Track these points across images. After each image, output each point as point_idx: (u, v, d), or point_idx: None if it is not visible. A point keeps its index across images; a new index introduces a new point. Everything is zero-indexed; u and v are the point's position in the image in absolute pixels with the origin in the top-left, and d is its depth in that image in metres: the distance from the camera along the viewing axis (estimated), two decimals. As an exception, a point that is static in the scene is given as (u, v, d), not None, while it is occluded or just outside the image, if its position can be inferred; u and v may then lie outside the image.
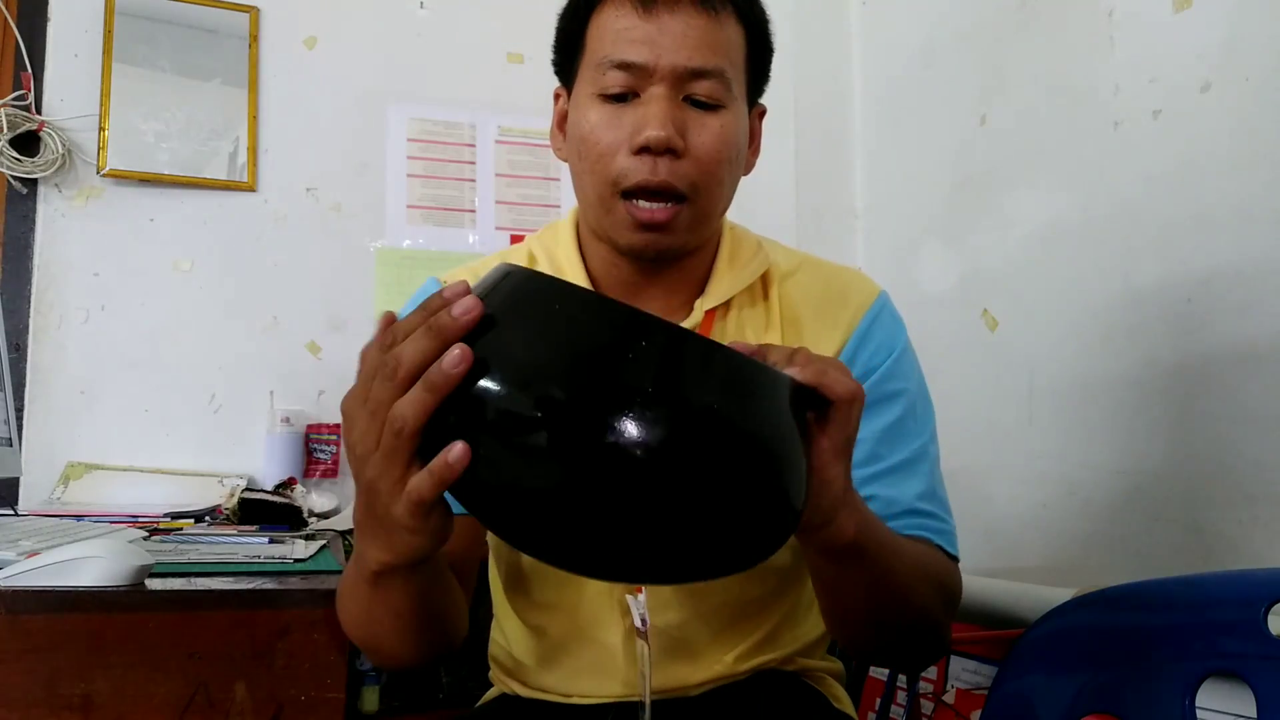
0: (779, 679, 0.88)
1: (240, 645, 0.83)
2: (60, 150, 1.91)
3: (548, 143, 0.92)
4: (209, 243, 2.02)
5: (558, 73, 0.89)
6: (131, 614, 0.81)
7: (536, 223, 2.23)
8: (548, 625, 0.87)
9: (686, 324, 0.85)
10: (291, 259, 2.07)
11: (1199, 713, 0.81)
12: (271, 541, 1.25)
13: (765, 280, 0.89)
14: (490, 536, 0.90)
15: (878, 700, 1.49)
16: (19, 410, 1.85)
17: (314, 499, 1.84)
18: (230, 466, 1.97)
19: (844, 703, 0.93)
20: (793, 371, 0.56)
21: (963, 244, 1.91)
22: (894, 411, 0.84)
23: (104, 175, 1.95)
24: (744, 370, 0.52)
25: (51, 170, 1.91)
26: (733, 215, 0.90)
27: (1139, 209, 1.49)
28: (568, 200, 2.25)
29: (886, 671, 1.50)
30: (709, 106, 0.80)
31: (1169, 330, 1.42)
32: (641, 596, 0.80)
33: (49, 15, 1.97)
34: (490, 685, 0.98)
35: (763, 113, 0.89)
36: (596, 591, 0.84)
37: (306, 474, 1.99)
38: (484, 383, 0.49)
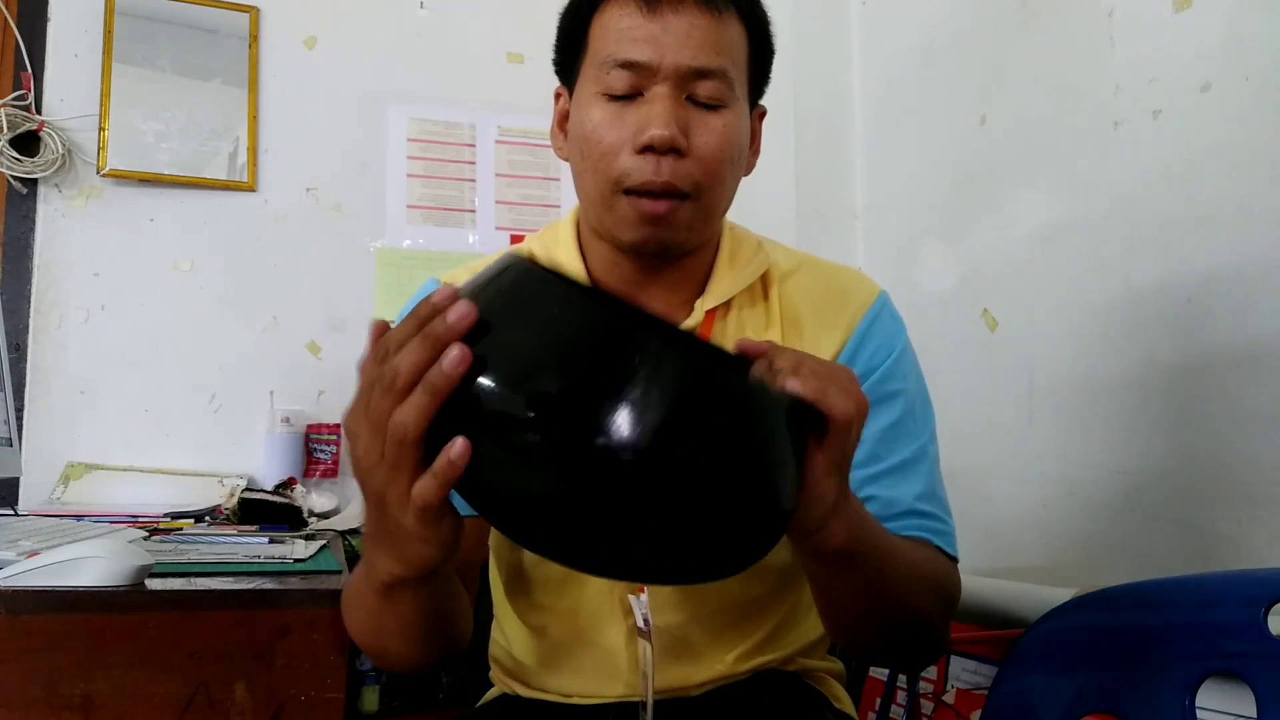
0: (779, 679, 0.88)
1: (240, 645, 0.83)
2: (60, 150, 1.91)
3: (548, 143, 0.92)
4: (209, 243, 2.02)
5: (558, 72, 0.89)
6: (131, 614, 0.81)
7: (536, 223, 2.23)
8: (548, 625, 0.87)
9: (687, 324, 0.85)
10: (291, 259, 2.07)
11: (1199, 713, 0.81)
12: (271, 541, 1.25)
13: (765, 280, 0.89)
14: (491, 537, 0.90)
15: (878, 700, 1.49)
16: (19, 410, 1.85)
17: (314, 499, 1.84)
18: (230, 466, 1.97)
19: (844, 703, 0.93)
20: (794, 384, 0.56)
21: (963, 244, 1.91)
22: (893, 412, 0.84)
23: (104, 175, 1.95)
24: (736, 382, 0.52)
25: (51, 170, 1.91)
26: (733, 215, 0.90)
27: (1139, 209, 1.49)
28: (568, 200, 2.25)
29: (886, 671, 1.50)
30: (712, 106, 0.80)
31: (1169, 330, 1.42)
32: (644, 596, 0.80)
33: (49, 15, 1.97)
34: (490, 685, 0.98)
35: (763, 114, 0.89)
36: (597, 592, 0.84)
37: (306, 474, 1.99)
38: (482, 380, 0.49)
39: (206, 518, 1.66)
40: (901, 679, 1.48)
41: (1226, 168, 1.35)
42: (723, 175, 0.81)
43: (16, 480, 1.79)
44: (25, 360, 1.89)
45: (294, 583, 0.91)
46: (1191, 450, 1.38)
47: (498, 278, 0.54)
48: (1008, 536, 1.72)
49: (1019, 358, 1.73)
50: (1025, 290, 1.73)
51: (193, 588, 0.86)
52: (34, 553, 0.87)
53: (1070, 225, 1.63)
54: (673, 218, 0.79)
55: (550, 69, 0.90)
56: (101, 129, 1.96)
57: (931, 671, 1.56)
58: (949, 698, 1.51)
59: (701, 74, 0.79)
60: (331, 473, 2.02)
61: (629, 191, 0.79)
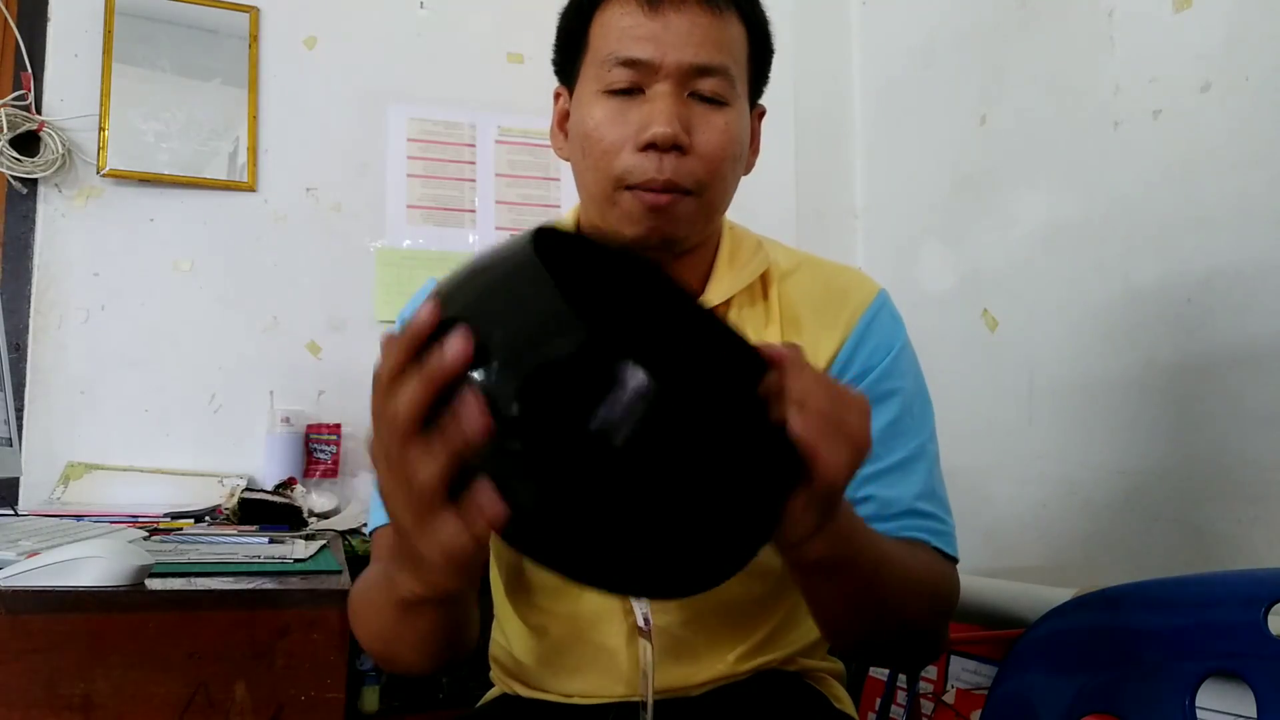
0: (780, 679, 0.88)
1: (240, 645, 0.83)
2: (60, 150, 1.91)
3: (548, 143, 0.92)
4: (209, 243, 2.02)
5: (558, 72, 0.89)
6: (131, 614, 0.81)
7: (536, 223, 2.22)
8: (548, 625, 0.87)
9: None
10: (291, 259, 2.07)
11: (1199, 713, 0.81)
12: (271, 541, 1.25)
13: (765, 279, 0.89)
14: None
15: (878, 700, 1.49)
16: (19, 410, 1.85)
17: (314, 499, 1.84)
18: (230, 466, 1.97)
19: (844, 703, 0.93)
20: (794, 422, 0.53)
21: (963, 244, 1.91)
22: (891, 411, 0.84)
23: (104, 175, 1.95)
24: (717, 410, 0.52)
25: (51, 170, 1.91)
26: (733, 215, 0.90)
27: (1139, 209, 1.49)
28: (568, 200, 2.25)
29: (886, 671, 1.50)
30: (714, 103, 0.80)
31: (1169, 330, 1.42)
32: (644, 596, 0.80)
33: (49, 15, 1.97)
34: (491, 685, 0.98)
35: (762, 113, 0.89)
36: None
37: (306, 474, 1.99)
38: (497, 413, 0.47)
39: (206, 518, 1.66)
40: (901, 679, 1.48)
41: (1226, 168, 1.35)
42: (724, 173, 0.81)
43: (16, 480, 1.79)
44: (25, 360, 1.89)
45: (294, 583, 0.91)
46: (1191, 450, 1.38)
47: (500, 267, 0.52)
48: (1008, 536, 1.72)
49: (1019, 358, 1.73)
50: (1025, 290, 1.73)
51: (193, 588, 0.86)
52: (34, 553, 0.87)
53: (1070, 225, 1.63)
54: (675, 210, 0.79)
55: (550, 69, 0.90)
56: (101, 129, 1.96)
57: (931, 671, 1.56)
58: (949, 698, 1.51)
59: (703, 71, 0.79)
60: (331, 473, 2.02)
61: (631, 189, 0.79)
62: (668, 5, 0.78)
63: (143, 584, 0.85)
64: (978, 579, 1.54)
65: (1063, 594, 1.20)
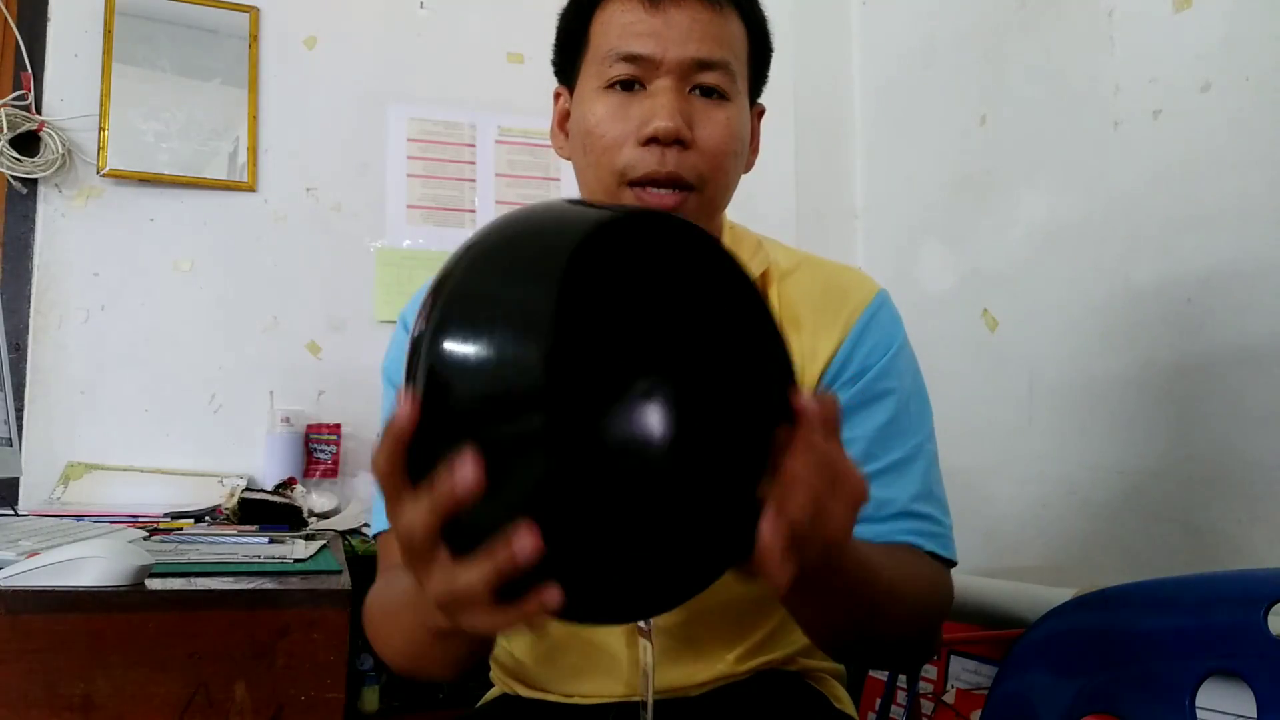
0: (780, 679, 0.88)
1: (240, 645, 0.83)
2: (60, 150, 1.91)
3: (548, 143, 0.92)
4: (209, 243, 2.02)
5: (558, 73, 0.89)
6: (131, 614, 0.81)
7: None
8: (548, 625, 0.87)
9: None
10: (291, 259, 2.07)
11: (1199, 713, 0.81)
12: (271, 541, 1.25)
13: (765, 279, 0.89)
14: None
15: (878, 700, 1.49)
16: (19, 410, 1.85)
17: (314, 499, 1.84)
18: (230, 466, 1.97)
19: (844, 703, 0.93)
20: (769, 516, 0.51)
21: (963, 244, 1.91)
22: (887, 410, 0.84)
23: (104, 175, 1.95)
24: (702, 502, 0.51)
25: (51, 170, 1.91)
26: (733, 215, 0.90)
27: (1139, 209, 1.49)
28: (568, 200, 2.25)
29: (886, 671, 1.50)
30: (715, 97, 0.80)
31: (1169, 330, 1.42)
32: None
33: (49, 15, 1.97)
34: (491, 685, 0.98)
35: (762, 112, 0.90)
36: (597, 591, 0.84)
37: (306, 474, 1.99)
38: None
39: (206, 518, 1.66)
40: (901, 679, 1.48)
41: (1226, 168, 1.35)
42: (726, 168, 0.81)
43: (16, 480, 1.79)
44: (25, 360, 1.89)
45: (294, 583, 0.91)
46: (1191, 450, 1.38)
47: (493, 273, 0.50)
48: (1008, 536, 1.72)
49: (1019, 358, 1.73)
50: (1025, 290, 1.73)
51: (193, 588, 0.86)
52: (34, 553, 0.87)
53: (1070, 225, 1.63)
54: (680, 209, 0.79)
55: (550, 69, 0.90)
56: (101, 129, 1.96)
57: (931, 671, 1.56)
58: (949, 698, 1.51)
59: (705, 65, 0.79)
60: (331, 473, 2.02)
61: (634, 184, 0.79)
62: (668, 1, 0.79)
63: (143, 584, 0.85)
64: (978, 579, 1.53)
65: (1063, 594, 1.20)
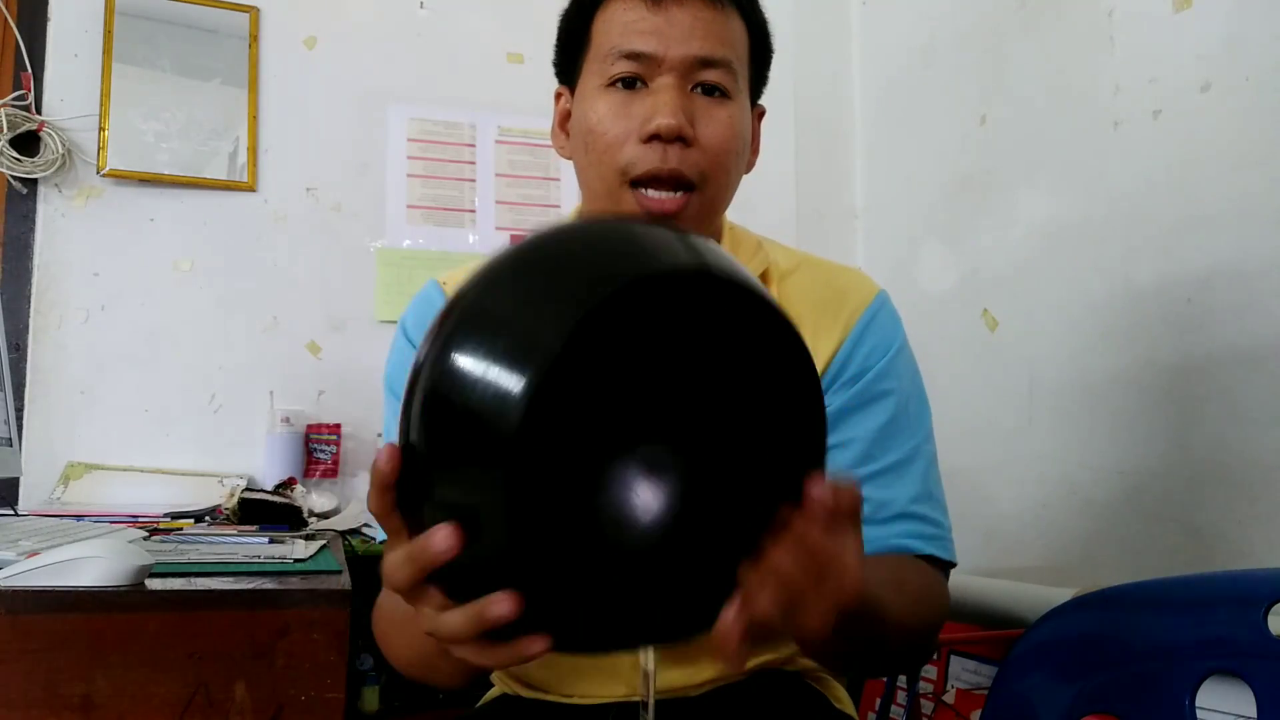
0: (780, 679, 0.88)
1: (240, 645, 0.83)
2: (60, 150, 1.91)
3: (548, 143, 0.92)
4: (209, 243, 2.02)
5: (559, 73, 0.89)
6: (131, 614, 0.81)
7: (536, 223, 2.23)
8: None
9: None
10: (291, 259, 2.07)
11: (1199, 713, 0.81)
12: (271, 541, 1.25)
13: (764, 279, 0.89)
14: None
15: (878, 700, 1.49)
16: (19, 410, 1.85)
17: (314, 499, 1.84)
18: (230, 466, 1.97)
19: (844, 703, 0.93)
20: (738, 606, 0.50)
21: (963, 244, 1.91)
22: (886, 411, 0.84)
23: (104, 175, 1.95)
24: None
25: (51, 170, 1.91)
26: (733, 215, 0.90)
27: (1139, 209, 1.49)
28: (568, 200, 2.25)
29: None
30: (717, 95, 0.80)
31: (1169, 330, 1.42)
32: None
33: (49, 15, 1.97)
34: (490, 685, 0.98)
35: (762, 113, 0.90)
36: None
37: (306, 474, 1.99)
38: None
39: (206, 518, 1.66)
40: (901, 679, 1.48)
41: (1226, 168, 1.35)
42: (728, 166, 0.81)
43: (16, 480, 1.79)
44: (25, 360, 1.89)
45: (294, 583, 0.91)
46: (1191, 450, 1.38)
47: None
48: (1008, 536, 1.72)
49: (1019, 358, 1.73)
50: (1025, 290, 1.73)
51: (193, 588, 0.86)
52: (34, 553, 0.87)
53: (1070, 225, 1.63)
54: (680, 215, 0.79)
55: (550, 69, 0.90)
56: (101, 129, 1.96)
57: (931, 671, 1.56)
58: (949, 698, 1.51)
59: (707, 63, 0.79)
60: (331, 473, 2.02)
61: (636, 183, 0.79)
62: (671, 0, 0.79)
63: (143, 584, 0.85)
64: (978, 579, 1.54)
65: (1063, 594, 1.20)
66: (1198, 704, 0.81)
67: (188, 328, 2.00)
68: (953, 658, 1.54)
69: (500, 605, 0.45)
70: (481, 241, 2.20)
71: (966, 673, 1.51)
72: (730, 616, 0.49)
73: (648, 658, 0.78)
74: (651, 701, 0.77)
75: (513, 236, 2.21)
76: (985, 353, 1.81)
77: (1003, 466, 1.74)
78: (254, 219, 2.06)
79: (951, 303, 1.90)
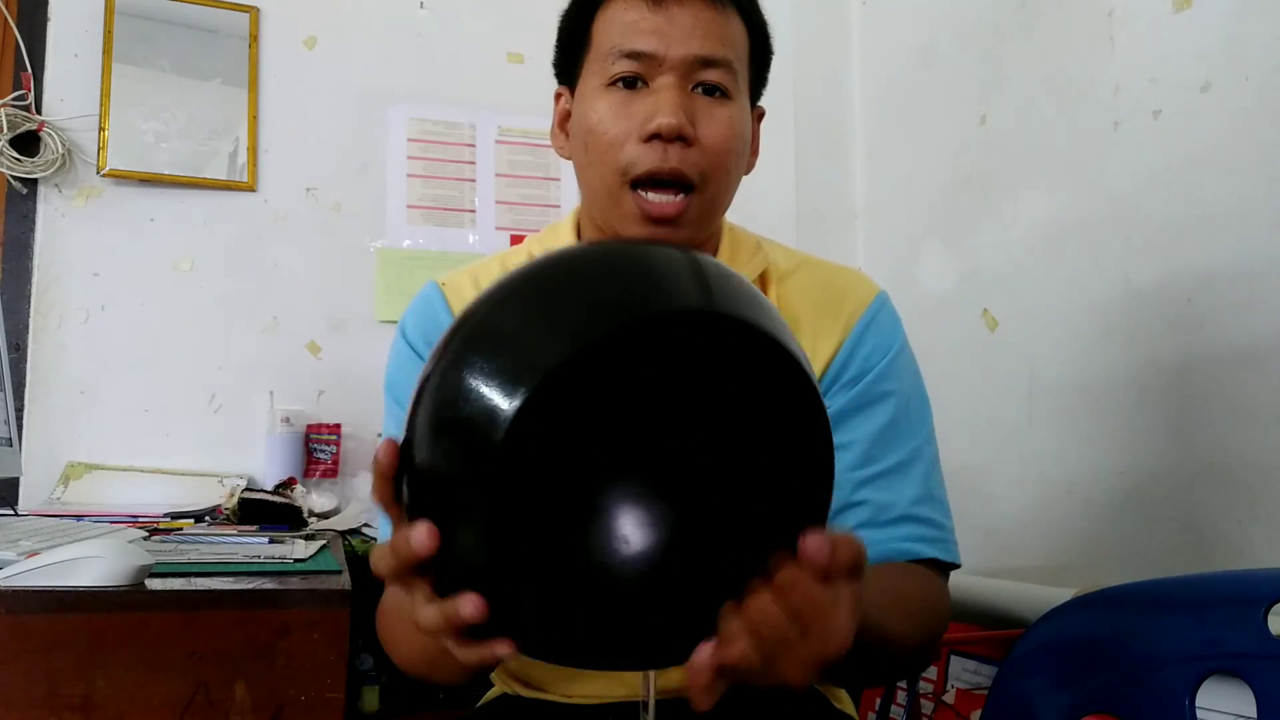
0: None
1: (240, 645, 0.83)
2: (60, 150, 1.91)
3: (548, 143, 0.92)
4: (209, 243, 2.02)
5: (558, 73, 0.89)
6: (131, 614, 0.81)
7: (536, 223, 2.23)
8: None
9: None
10: (291, 259, 2.07)
11: (1199, 713, 0.81)
12: (271, 541, 1.25)
13: (764, 280, 0.89)
14: None
15: (878, 700, 1.49)
16: (19, 410, 1.85)
17: (314, 499, 1.84)
18: (230, 466, 1.97)
19: (844, 703, 0.93)
20: (713, 647, 0.50)
21: (963, 244, 1.91)
22: (887, 413, 0.84)
23: (104, 175, 1.95)
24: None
25: (51, 170, 1.91)
26: (733, 215, 0.90)
27: (1139, 209, 1.49)
28: (568, 200, 2.25)
29: (886, 671, 1.50)
30: (718, 95, 0.80)
31: (1169, 330, 1.42)
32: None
33: (49, 15, 1.97)
34: (490, 685, 0.98)
35: (761, 115, 0.90)
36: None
37: (306, 474, 1.99)
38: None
39: (206, 518, 1.66)
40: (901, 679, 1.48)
41: (1226, 168, 1.35)
42: (728, 167, 0.81)
43: (16, 480, 1.79)
44: (25, 360, 1.89)
45: (294, 583, 0.91)
46: (1191, 450, 1.38)
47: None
48: (1008, 536, 1.72)
49: (1019, 358, 1.73)
50: (1025, 290, 1.73)
51: (193, 588, 0.86)
52: (34, 553, 0.87)
53: (1070, 225, 1.63)
54: (680, 217, 0.79)
55: (550, 69, 0.90)
56: (101, 129, 1.96)
57: (931, 671, 1.56)
58: (949, 698, 1.51)
59: (707, 63, 0.79)
60: (331, 473, 2.02)
61: (636, 184, 0.79)
62: (671, 0, 0.79)
63: (143, 584, 0.85)
64: (978, 579, 1.54)
65: (1063, 594, 1.20)
66: (1198, 704, 0.81)
67: (188, 328, 1.99)
68: (953, 658, 1.54)
69: (467, 608, 0.47)
70: (481, 241, 2.20)
71: (966, 673, 1.51)
72: (703, 656, 0.50)
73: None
74: (651, 702, 0.77)
75: (513, 238, 2.21)
76: (985, 353, 1.81)
77: (1003, 466, 1.74)
78: (254, 219, 2.06)
79: (951, 303, 1.90)
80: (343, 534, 1.63)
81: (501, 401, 0.45)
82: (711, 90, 0.80)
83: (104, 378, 1.94)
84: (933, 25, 2.04)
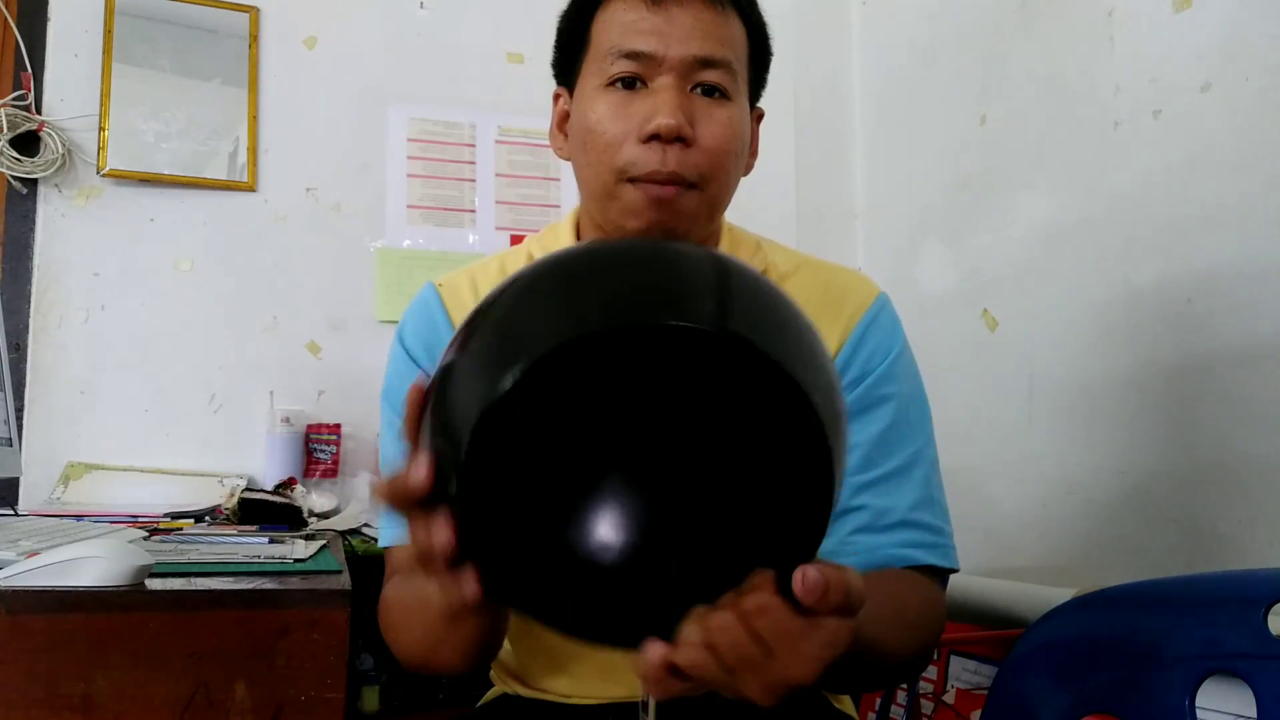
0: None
1: (240, 645, 0.83)
2: (60, 150, 1.91)
3: (548, 143, 0.92)
4: (209, 243, 2.02)
5: (557, 73, 0.89)
6: (131, 614, 0.81)
7: (536, 223, 2.23)
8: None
9: None
10: (291, 259, 2.07)
11: (1199, 713, 0.81)
12: (271, 541, 1.25)
13: (763, 281, 0.89)
14: None
15: (878, 701, 1.49)
16: (19, 410, 1.85)
17: (314, 499, 1.84)
18: (230, 466, 1.97)
19: (844, 703, 0.93)
20: (670, 648, 0.51)
21: (963, 244, 1.91)
22: (886, 417, 0.83)
23: (104, 175, 1.95)
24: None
25: (51, 170, 1.91)
26: (732, 215, 0.90)
27: (1139, 209, 1.49)
28: (568, 200, 2.25)
29: (886, 671, 1.50)
30: (717, 96, 0.80)
31: (1169, 330, 1.42)
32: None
33: (49, 15, 1.97)
34: (490, 685, 0.98)
35: (760, 116, 0.89)
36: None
37: (306, 474, 1.99)
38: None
39: (206, 518, 1.66)
40: (901, 679, 1.48)
41: (1226, 168, 1.35)
42: (727, 167, 0.81)
43: (16, 480, 1.79)
44: (25, 360, 1.89)
45: (294, 583, 0.91)
46: (1191, 450, 1.38)
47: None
48: (1008, 536, 1.72)
49: (1019, 358, 1.73)
50: (1025, 290, 1.73)
51: (193, 588, 0.86)
52: (34, 553, 0.87)
53: (1070, 225, 1.63)
54: (678, 204, 0.79)
55: (550, 69, 0.90)
56: (101, 129, 1.96)
57: (931, 671, 1.56)
58: (949, 698, 1.51)
59: (707, 63, 0.79)
60: (331, 473, 2.02)
61: (634, 181, 0.79)
62: (671, 0, 0.79)
63: (143, 584, 0.85)
64: (978, 579, 1.54)
65: (1063, 594, 1.21)
66: (1198, 704, 0.81)
67: (188, 328, 1.99)
68: (953, 658, 1.54)
69: (439, 531, 0.50)
70: (481, 242, 2.20)
71: (966, 673, 1.51)
72: (653, 653, 0.50)
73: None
74: (651, 702, 0.77)
75: (513, 238, 2.21)
76: (985, 353, 1.81)
77: (1003, 466, 1.74)
78: (254, 219, 2.06)
79: (951, 303, 1.90)
80: (343, 534, 1.63)
81: (497, 373, 0.47)
82: (710, 91, 0.80)
83: (104, 378, 1.94)
84: (933, 25, 2.04)
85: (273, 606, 0.85)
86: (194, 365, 1.99)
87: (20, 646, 0.78)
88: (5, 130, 1.86)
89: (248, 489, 1.76)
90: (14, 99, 1.90)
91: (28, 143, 1.89)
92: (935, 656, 1.54)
